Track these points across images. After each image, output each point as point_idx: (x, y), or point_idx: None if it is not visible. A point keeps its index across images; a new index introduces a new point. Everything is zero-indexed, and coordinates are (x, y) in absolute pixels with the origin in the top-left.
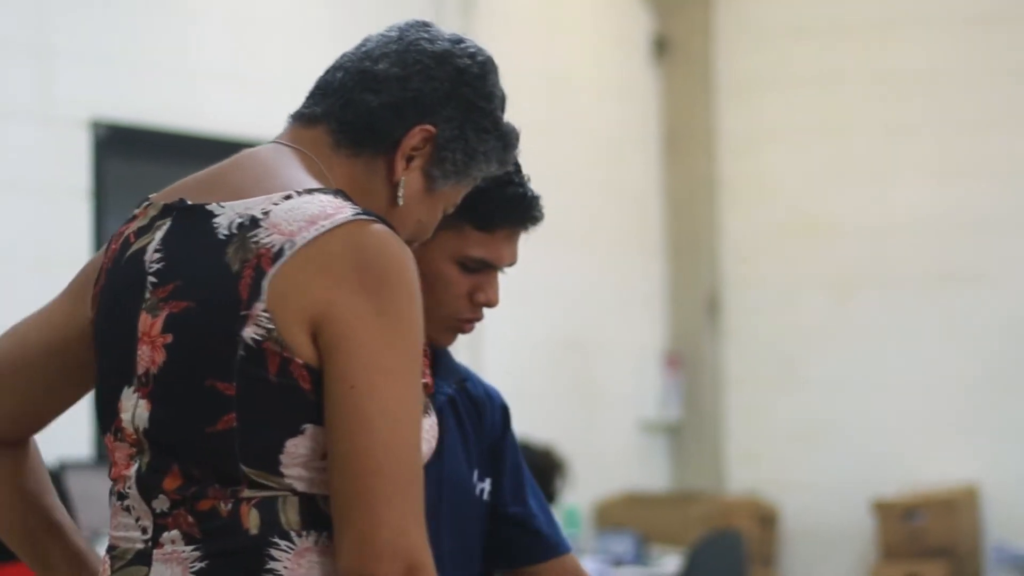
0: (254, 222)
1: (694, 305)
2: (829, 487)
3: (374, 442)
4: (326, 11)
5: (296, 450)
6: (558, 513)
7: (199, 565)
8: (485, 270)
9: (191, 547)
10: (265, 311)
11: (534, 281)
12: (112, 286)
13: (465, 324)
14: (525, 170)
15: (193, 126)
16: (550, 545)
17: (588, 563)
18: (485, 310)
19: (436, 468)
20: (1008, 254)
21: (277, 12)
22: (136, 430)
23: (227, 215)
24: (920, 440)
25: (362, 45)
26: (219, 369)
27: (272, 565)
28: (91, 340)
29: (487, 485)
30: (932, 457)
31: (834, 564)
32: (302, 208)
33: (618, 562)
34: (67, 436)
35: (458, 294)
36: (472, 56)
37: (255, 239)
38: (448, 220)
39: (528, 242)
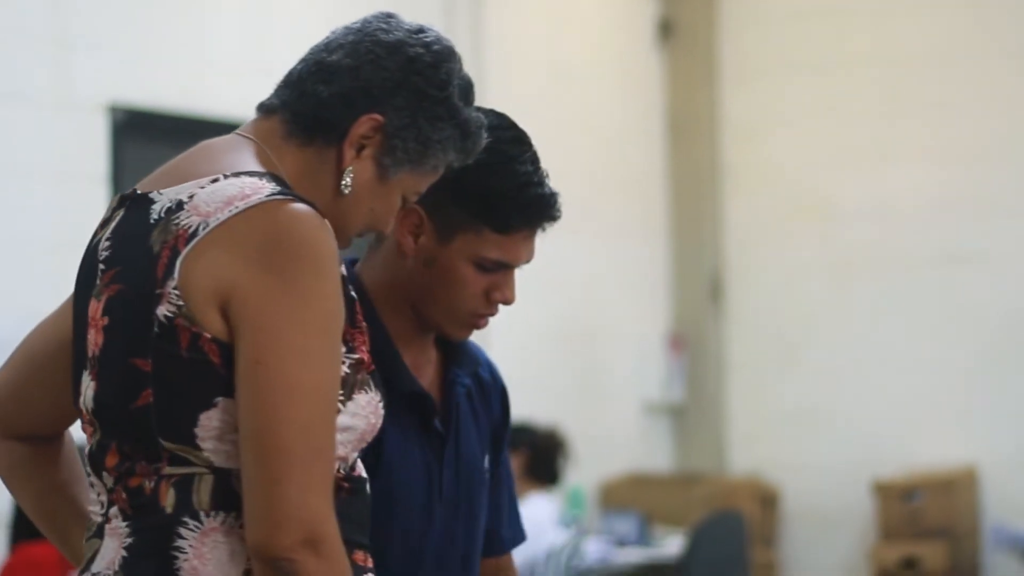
0: (179, 205)
1: (697, 288)
2: (829, 468)
3: (277, 418)
4: None
5: (210, 423)
6: (562, 494)
7: (128, 541)
8: (502, 270)
9: (125, 523)
10: (176, 289)
11: (539, 265)
12: (79, 278)
13: (480, 319)
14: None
15: (210, 111)
16: (499, 542)
17: (592, 543)
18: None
19: (454, 458)
20: (1009, 236)
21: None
22: (87, 410)
23: (162, 201)
24: (920, 422)
25: (327, 36)
26: (139, 347)
27: (179, 543)
28: None
29: (487, 464)
30: (931, 438)
31: (834, 544)
32: (223, 190)
33: (622, 542)
34: None
35: (475, 293)
36: (427, 45)
37: (176, 222)
38: (466, 220)
39: None
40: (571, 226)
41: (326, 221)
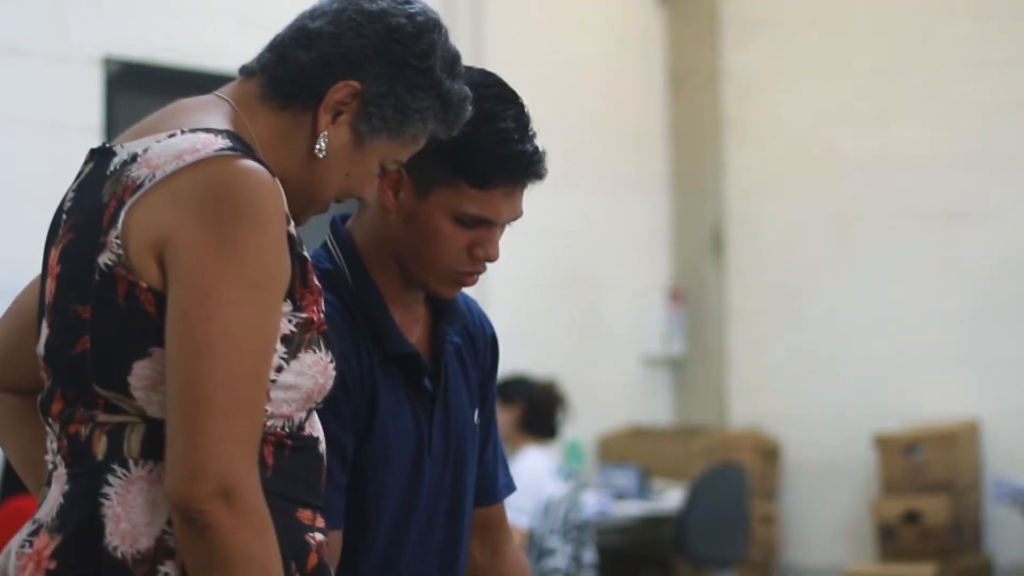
0: (134, 158)
1: (698, 241)
2: (830, 421)
3: (200, 368)
4: None
5: (144, 372)
6: (561, 446)
7: (67, 488)
8: (483, 225)
9: (66, 470)
10: (117, 238)
11: (539, 218)
12: (49, 229)
13: (466, 277)
14: (534, 123)
15: (205, 63)
16: (491, 493)
17: (591, 496)
18: None
19: (443, 416)
20: (1008, 191)
21: None
22: (41, 357)
23: (121, 154)
24: (921, 375)
25: (314, 3)
26: (81, 295)
27: (106, 490)
28: None
29: (475, 416)
30: (933, 392)
31: (835, 498)
32: (176, 144)
33: (621, 495)
34: None
35: (456, 248)
36: (410, 16)
37: (127, 173)
38: (444, 175)
39: None
40: (572, 179)
41: (276, 180)
